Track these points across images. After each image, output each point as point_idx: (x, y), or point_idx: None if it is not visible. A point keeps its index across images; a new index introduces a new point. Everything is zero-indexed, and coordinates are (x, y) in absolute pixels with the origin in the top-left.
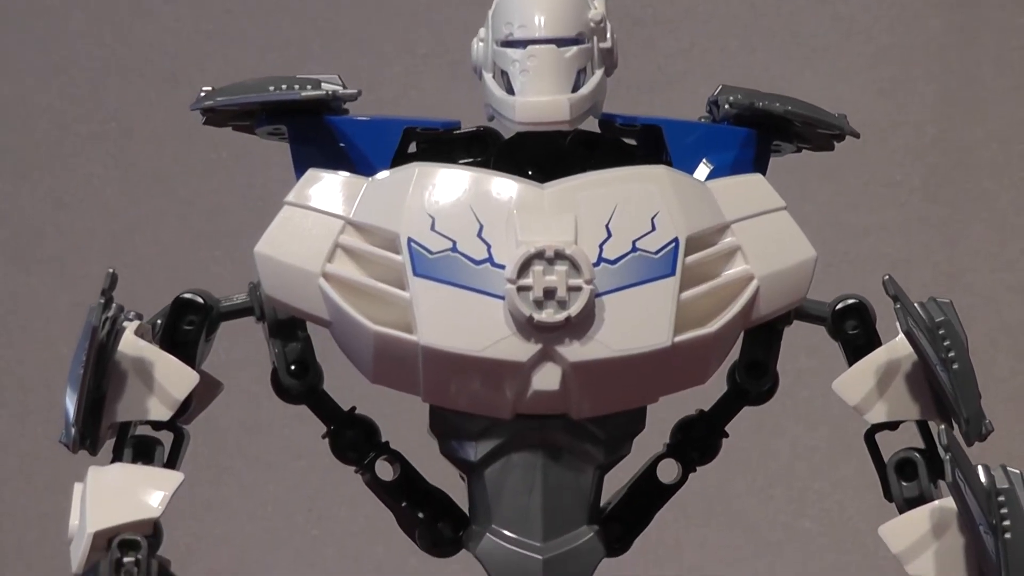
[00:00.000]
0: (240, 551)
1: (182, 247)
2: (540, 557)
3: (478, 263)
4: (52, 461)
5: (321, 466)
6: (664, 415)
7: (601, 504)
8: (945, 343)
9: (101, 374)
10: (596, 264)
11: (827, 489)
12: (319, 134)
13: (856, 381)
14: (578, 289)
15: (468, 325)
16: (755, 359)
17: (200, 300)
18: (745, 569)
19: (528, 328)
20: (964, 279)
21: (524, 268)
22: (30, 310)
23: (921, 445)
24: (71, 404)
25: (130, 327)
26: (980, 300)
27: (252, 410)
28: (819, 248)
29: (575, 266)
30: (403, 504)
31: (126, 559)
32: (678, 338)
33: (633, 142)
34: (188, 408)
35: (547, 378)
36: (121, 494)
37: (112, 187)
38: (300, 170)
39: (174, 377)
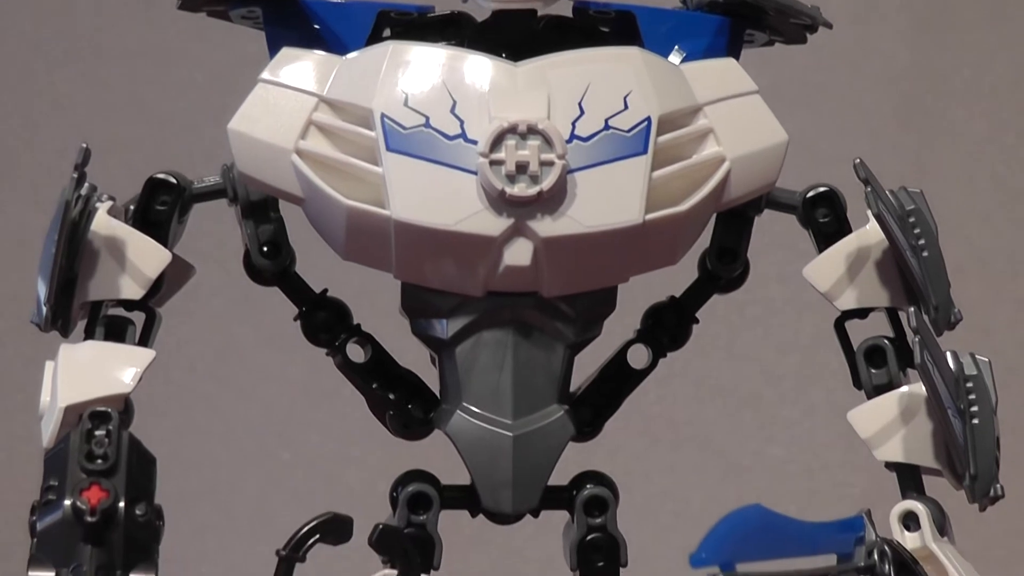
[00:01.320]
0: (211, 475)
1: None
2: (510, 434)
3: (451, 138)
4: (23, 386)
5: (292, 391)
6: (635, 303)
7: (571, 389)
8: (915, 231)
9: (73, 253)
10: (568, 141)
11: (796, 416)
12: (293, 16)
13: (826, 267)
14: (550, 164)
15: (440, 199)
16: (726, 245)
17: (173, 180)
18: (714, 495)
19: (500, 202)
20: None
21: (497, 142)
22: (2, 232)
23: (891, 334)
24: (43, 284)
25: (103, 207)
26: (949, 227)
27: (224, 335)
28: (790, 175)
29: (548, 141)
30: (374, 386)
31: (97, 432)
32: (649, 216)
33: (607, 29)
34: (160, 289)
35: (518, 253)
36: (93, 370)
37: (85, 108)
38: (274, 52)
39: (146, 256)
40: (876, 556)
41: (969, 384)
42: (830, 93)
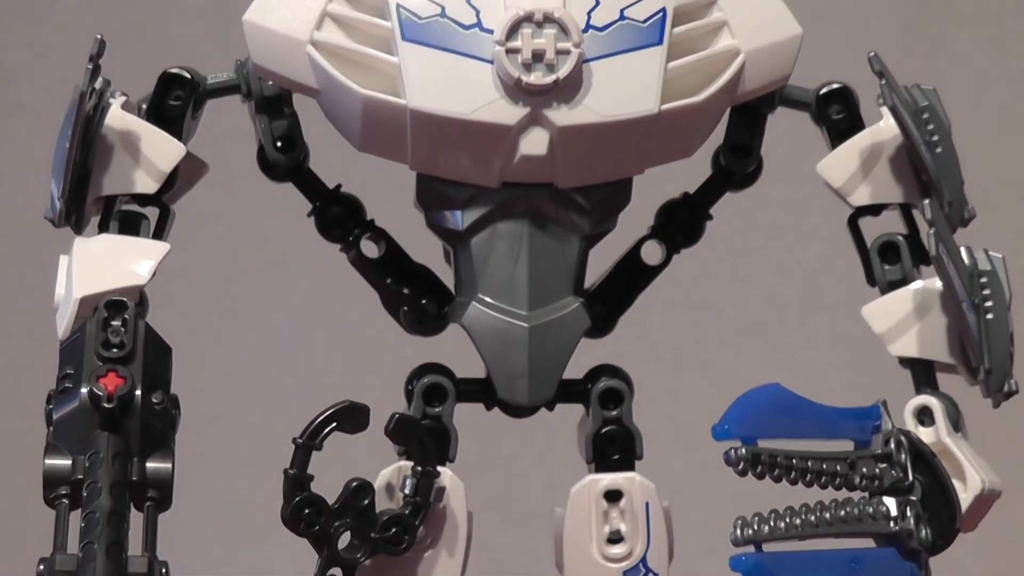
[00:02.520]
0: (213, 400)
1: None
2: (526, 325)
3: (467, 28)
4: (26, 309)
5: (296, 318)
6: (650, 201)
7: (586, 287)
8: (929, 127)
9: (87, 148)
10: (584, 31)
11: (799, 343)
12: None
13: (840, 162)
14: (567, 52)
15: (457, 88)
16: (740, 141)
17: (187, 75)
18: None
19: (516, 91)
20: None
21: (513, 31)
22: (5, 157)
23: (904, 231)
24: (56, 179)
25: (116, 102)
26: None
27: (227, 261)
28: None
29: (564, 29)
30: (388, 281)
31: (113, 321)
32: (665, 106)
33: None
34: (174, 184)
35: (534, 143)
36: (108, 262)
37: (87, 34)
38: None
39: (160, 149)
40: (893, 445)
41: (984, 279)
42: (833, 20)
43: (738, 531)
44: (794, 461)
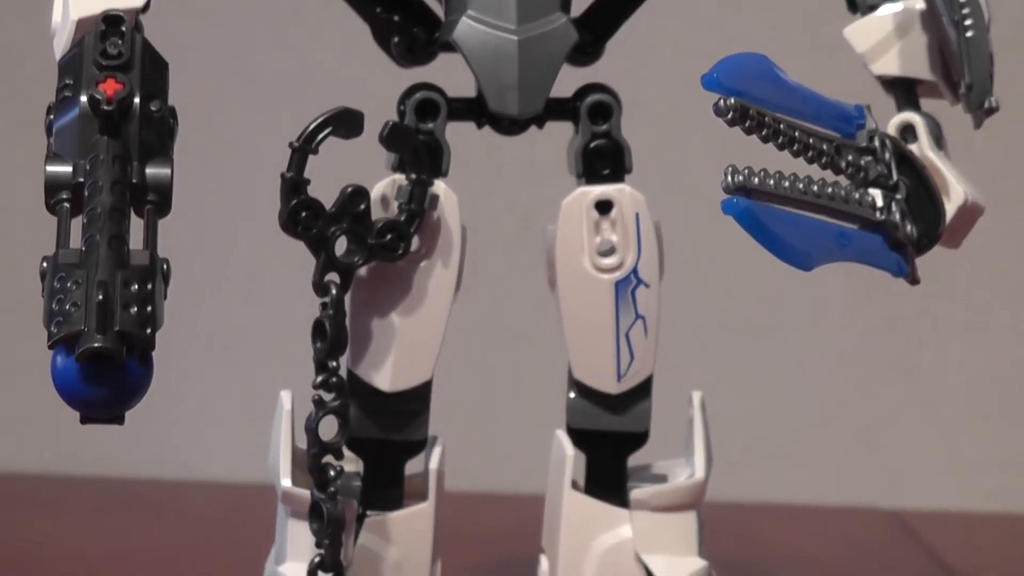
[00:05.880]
0: (201, 226)
1: None
2: (515, 38)
3: None
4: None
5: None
6: None
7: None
8: None
9: None
10: None
11: None
12: None
13: None
14: None
15: None
16: None
17: None
18: (704, 132)
19: None
20: None
21: None
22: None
23: None
24: None
25: None
26: None
27: (214, 91)
28: None
29: None
30: (378, 10)
31: (111, 36)
32: None
33: None
34: None
35: None
36: None
37: None
38: None
39: None
40: (877, 143)
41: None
42: None
43: (729, 177)
44: (782, 126)
